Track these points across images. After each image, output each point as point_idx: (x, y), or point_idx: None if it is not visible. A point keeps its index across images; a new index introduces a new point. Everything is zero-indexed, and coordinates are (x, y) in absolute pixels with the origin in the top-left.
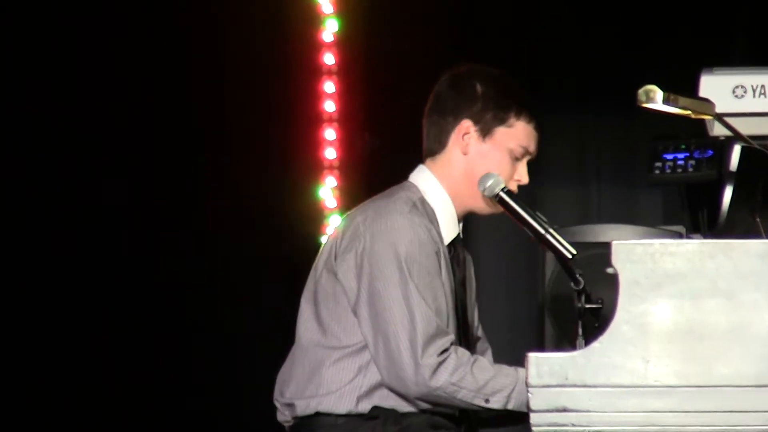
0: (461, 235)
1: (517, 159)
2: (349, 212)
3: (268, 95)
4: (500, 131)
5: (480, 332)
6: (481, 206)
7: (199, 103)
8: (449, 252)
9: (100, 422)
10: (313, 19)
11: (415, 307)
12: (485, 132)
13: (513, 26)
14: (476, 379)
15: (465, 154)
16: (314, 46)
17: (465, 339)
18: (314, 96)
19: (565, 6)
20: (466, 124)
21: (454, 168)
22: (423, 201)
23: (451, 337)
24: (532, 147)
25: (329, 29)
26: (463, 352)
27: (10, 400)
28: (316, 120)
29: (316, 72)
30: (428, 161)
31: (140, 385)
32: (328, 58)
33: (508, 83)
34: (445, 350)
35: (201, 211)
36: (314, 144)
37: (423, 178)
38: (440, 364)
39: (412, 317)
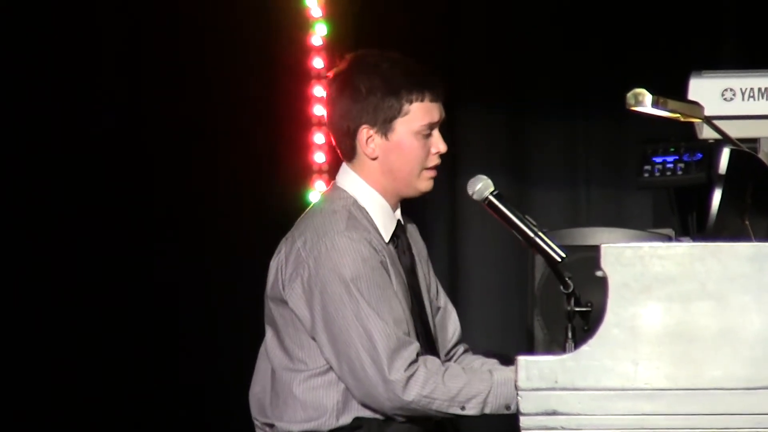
0: (401, 221)
1: (427, 136)
2: (287, 234)
3: (257, 99)
4: (399, 122)
5: (442, 301)
6: (413, 192)
7: (188, 107)
8: (394, 243)
9: (99, 422)
10: (302, 23)
11: (370, 324)
12: (386, 130)
13: (501, 31)
14: (449, 388)
15: (375, 158)
16: (303, 50)
17: (424, 326)
18: (303, 100)
19: (553, 10)
20: (365, 131)
21: (372, 171)
22: (356, 204)
23: (416, 345)
24: (436, 117)
25: (318, 33)
26: (432, 361)
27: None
28: (305, 124)
29: (305, 76)
30: (348, 163)
31: (132, 386)
32: (317, 62)
33: (390, 68)
34: (413, 362)
35: (188, 215)
36: (303, 148)
37: (349, 181)
38: (410, 378)
39: (369, 336)
